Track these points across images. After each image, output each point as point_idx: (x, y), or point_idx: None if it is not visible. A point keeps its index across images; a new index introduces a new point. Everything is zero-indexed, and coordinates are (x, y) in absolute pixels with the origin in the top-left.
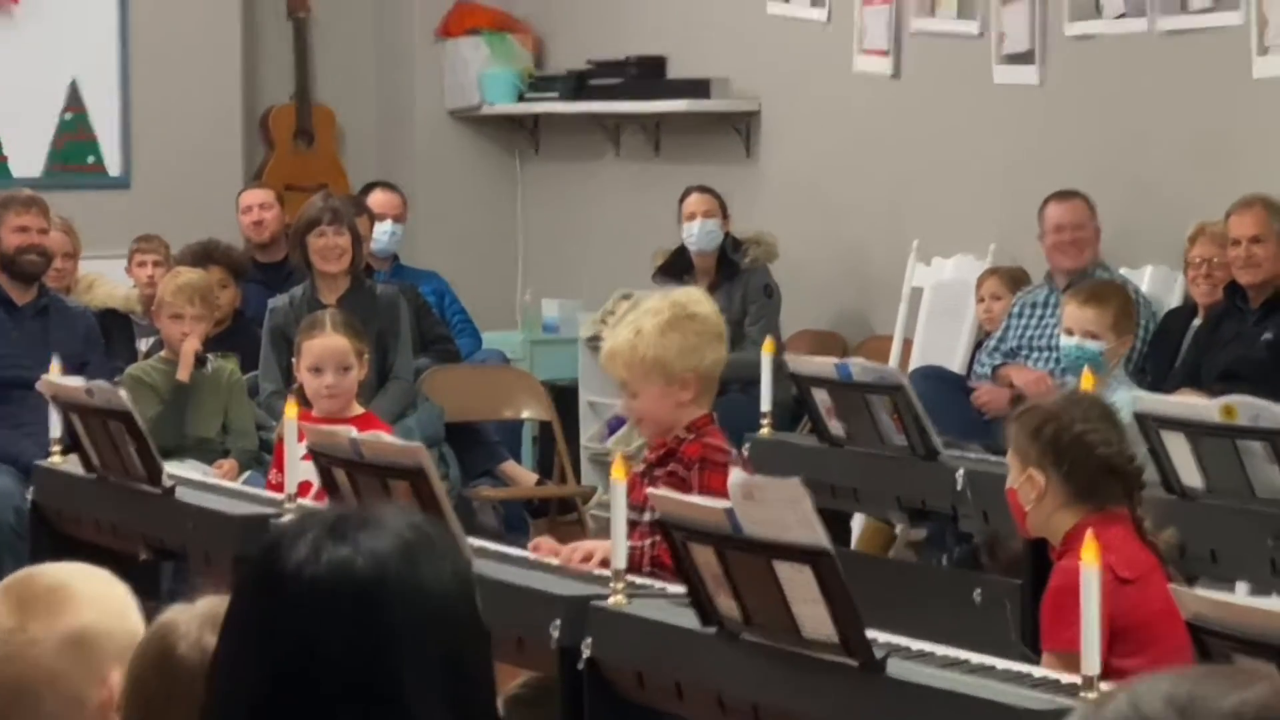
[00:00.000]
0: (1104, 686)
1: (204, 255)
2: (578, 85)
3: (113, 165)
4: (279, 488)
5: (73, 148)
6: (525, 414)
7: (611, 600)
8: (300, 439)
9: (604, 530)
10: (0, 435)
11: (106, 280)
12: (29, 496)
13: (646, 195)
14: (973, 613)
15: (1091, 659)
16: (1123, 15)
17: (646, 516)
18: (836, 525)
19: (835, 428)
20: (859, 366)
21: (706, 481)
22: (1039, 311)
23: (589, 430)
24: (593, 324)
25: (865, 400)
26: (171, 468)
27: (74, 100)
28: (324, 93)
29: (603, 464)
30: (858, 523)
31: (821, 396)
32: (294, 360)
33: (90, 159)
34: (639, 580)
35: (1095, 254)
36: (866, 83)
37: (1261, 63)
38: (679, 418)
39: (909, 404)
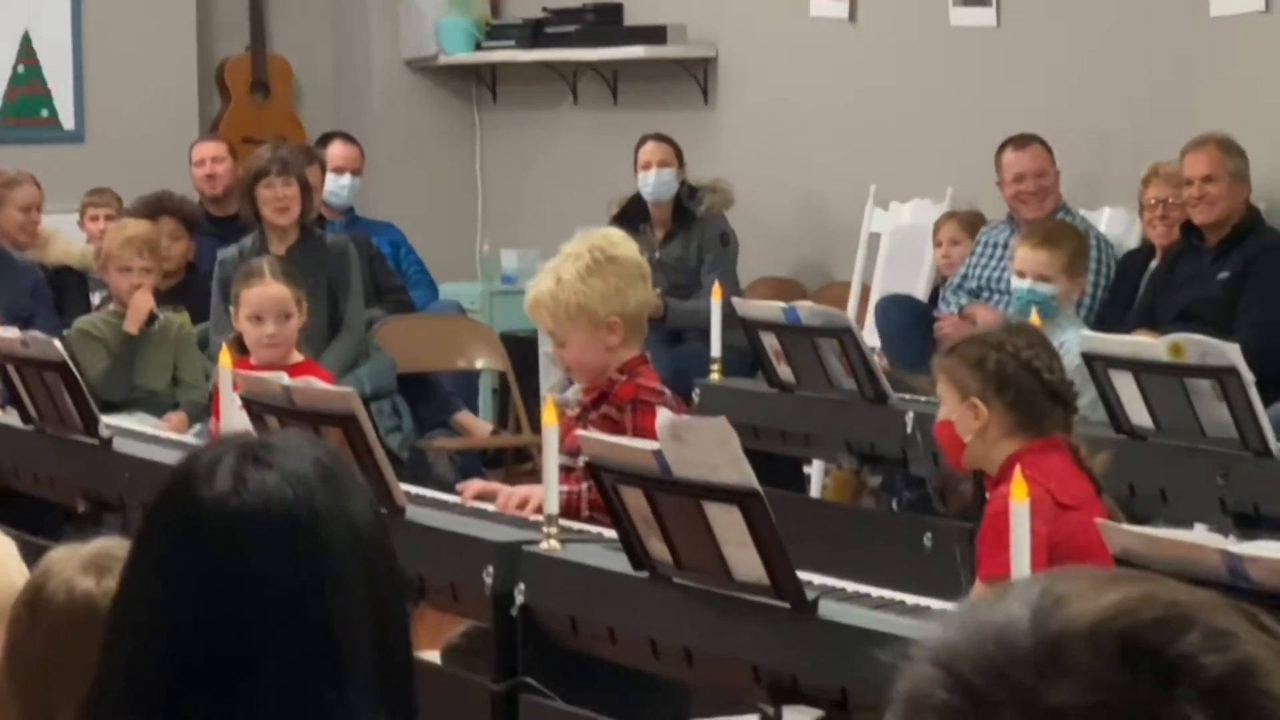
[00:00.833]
0: None
1: (156, 207)
2: (534, 33)
3: (66, 119)
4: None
5: (25, 101)
6: (479, 364)
7: (544, 545)
8: (236, 388)
9: None
10: None
11: (62, 236)
12: None
13: (605, 143)
14: (924, 557)
15: None
16: None
17: (582, 460)
18: (791, 472)
19: (784, 372)
20: (807, 310)
21: (640, 422)
22: (999, 251)
23: (549, 381)
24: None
25: (814, 344)
26: (120, 420)
27: (26, 53)
28: (280, 44)
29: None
30: (816, 469)
31: (770, 341)
32: (231, 309)
33: (44, 112)
34: (573, 525)
35: (1057, 199)
36: (823, 27)
37: (1219, 1)
38: (609, 361)
39: (857, 347)
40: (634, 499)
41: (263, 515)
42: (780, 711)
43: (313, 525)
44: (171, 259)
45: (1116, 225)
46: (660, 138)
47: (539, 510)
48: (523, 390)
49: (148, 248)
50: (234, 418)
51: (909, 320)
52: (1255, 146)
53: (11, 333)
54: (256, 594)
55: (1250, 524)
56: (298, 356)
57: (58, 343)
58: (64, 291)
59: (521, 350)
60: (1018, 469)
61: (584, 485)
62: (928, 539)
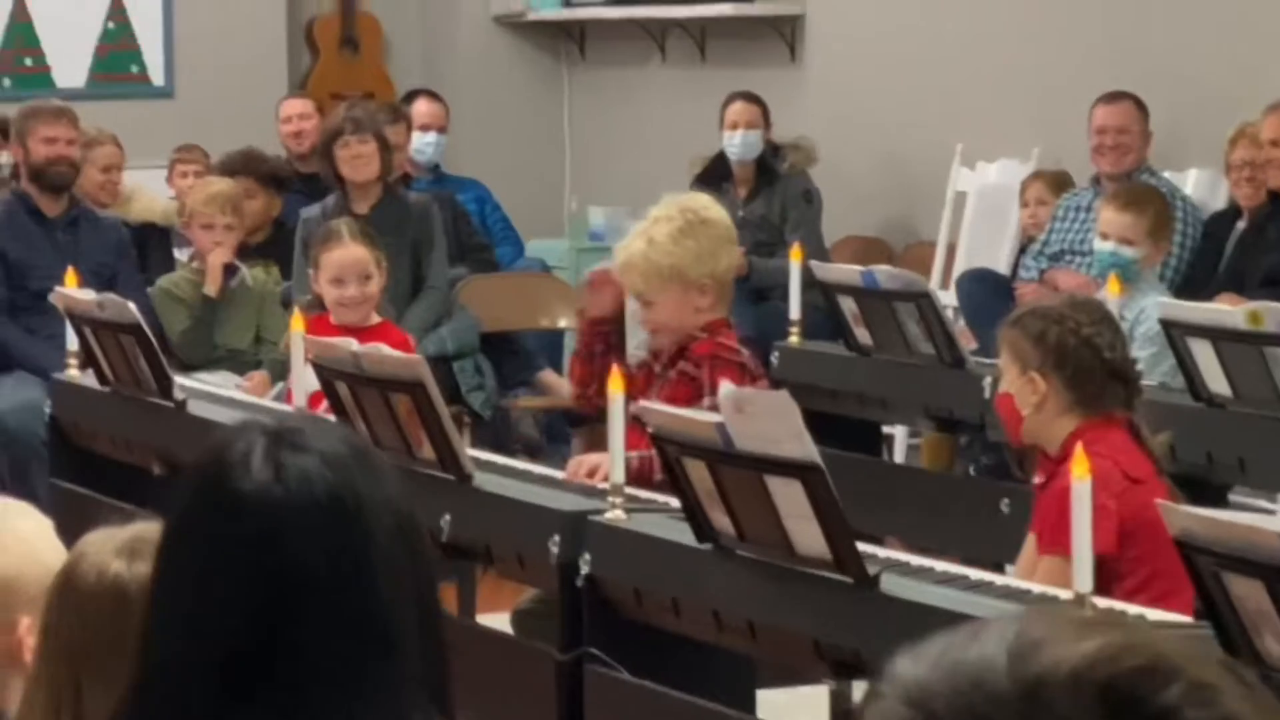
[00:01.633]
0: (1096, 602)
1: (243, 164)
2: None
3: (156, 75)
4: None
5: (115, 57)
6: (562, 323)
7: (609, 515)
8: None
9: None
10: (32, 346)
11: (145, 192)
12: (47, 409)
13: (692, 101)
14: (1001, 523)
15: (1084, 575)
16: None
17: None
18: (869, 436)
19: (862, 336)
20: (885, 274)
21: (717, 378)
22: (1082, 215)
23: (634, 340)
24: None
25: (891, 308)
26: (203, 379)
27: (117, 9)
28: (369, 1)
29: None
30: (900, 434)
31: (848, 304)
32: (310, 271)
33: (134, 68)
34: (640, 494)
35: (1139, 158)
36: None
37: None
38: (696, 324)
39: (935, 312)
40: (697, 471)
41: (308, 502)
42: (849, 686)
43: (357, 509)
44: (254, 215)
45: (1203, 187)
46: (749, 97)
47: (606, 478)
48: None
49: (230, 205)
50: (305, 381)
51: (989, 293)
52: None
53: (88, 295)
54: (304, 581)
55: None
56: (375, 318)
57: (133, 306)
58: (147, 248)
59: None
60: (1079, 446)
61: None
62: (1005, 505)
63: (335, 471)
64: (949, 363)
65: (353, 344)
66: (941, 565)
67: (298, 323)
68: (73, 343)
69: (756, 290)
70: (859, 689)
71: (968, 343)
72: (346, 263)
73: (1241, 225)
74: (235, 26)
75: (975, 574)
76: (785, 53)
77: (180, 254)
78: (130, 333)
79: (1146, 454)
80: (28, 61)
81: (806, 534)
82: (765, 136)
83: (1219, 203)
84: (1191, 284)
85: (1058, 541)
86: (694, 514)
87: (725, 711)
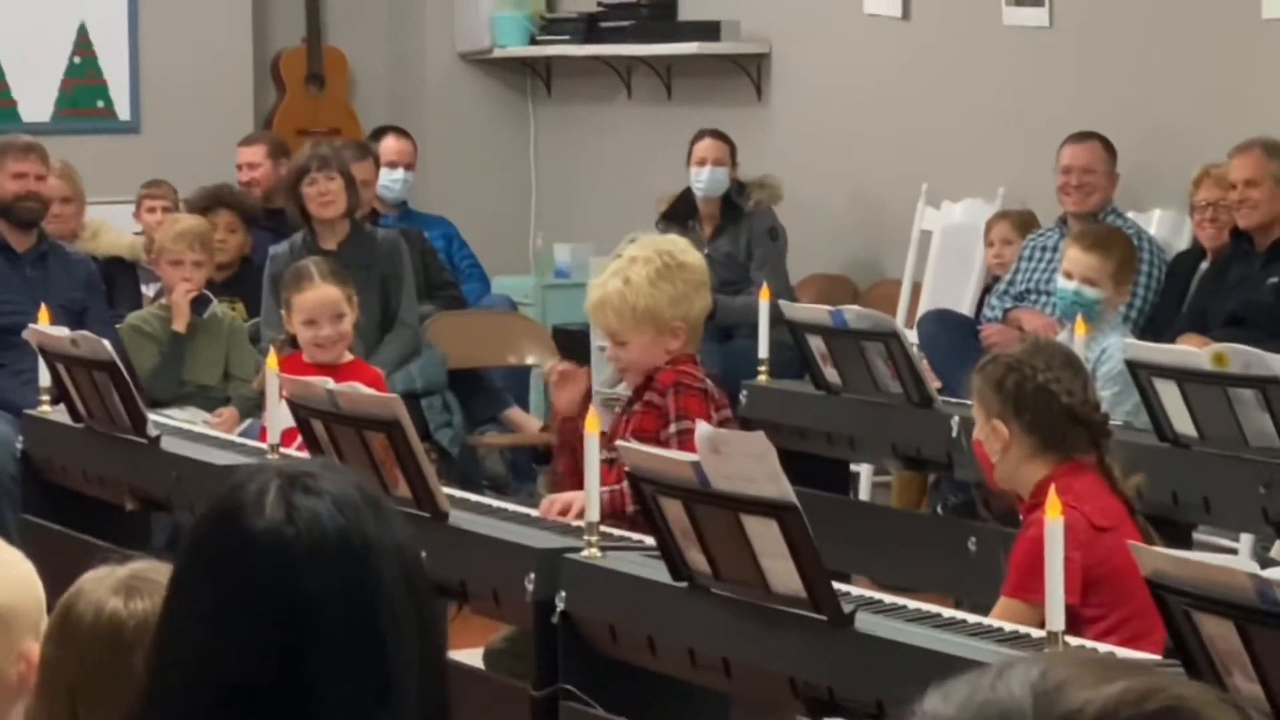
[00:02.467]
0: (1069, 641)
1: (213, 200)
2: (589, 28)
3: (122, 109)
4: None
5: (81, 92)
6: (529, 360)
7: (585, 553)
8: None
9: None
10: (2, 381)
11: (111, 228)
12: (19, 445)
13: (658, 139)
14: (968, 562)
15: (1056, 614)
16: None
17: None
18: (836, 473)
19: (831, 375)
20: (854, 313)
21: (682, 404)
22: (1048, 255)
23: (601, 376)
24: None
25: (860, 347)
26: (171, 415)
27: (83, 44)
28: (335, 36)
29: (614, 409)
30: (865, 472)
31: (817, 343)
32: (283, 314)
33: (99, 103)
34: (613, 533)
35: (1104, 198)
36: (877, 25)
37: (1271, 3)
38: (663, 362)
39: (903, 351)
40: (673, 510)
41: (318, 543)
42: None
43: (365, 551)
44: (227, 251)
45: (1166, 227)
46: (717, 134)
47: (580, 516)
48: None
49: (199, 242)
50: (279, 418)
51: (953, 335)
52: None
53: (61, 332)
54: (312, 623)
55: None
56: (347, 356)
57: (107, 343)
58: (114, 283)
59: (573, 344)
60: (1053, 489)
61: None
62: (972, 543)
63: (345, 514)
64: (917, 402)
65: (329, 383)
66: (914, 604)
67: (272, 361)
68: (45, 378)
69: (722, 328)
70: None
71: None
72: (318, 303)
73: (1205, 266)
74: (201, 62)
75: (947, 612)
76: (751, 91)
77: (147, 289)
78: (105, 369)
79: (1118, 496)
80: None
81: (782, 572)
82: (731, 174)
83: (1182, 243)
84: (1155, 324)
85: (1023, 586)
86: (669, 552)
87: None
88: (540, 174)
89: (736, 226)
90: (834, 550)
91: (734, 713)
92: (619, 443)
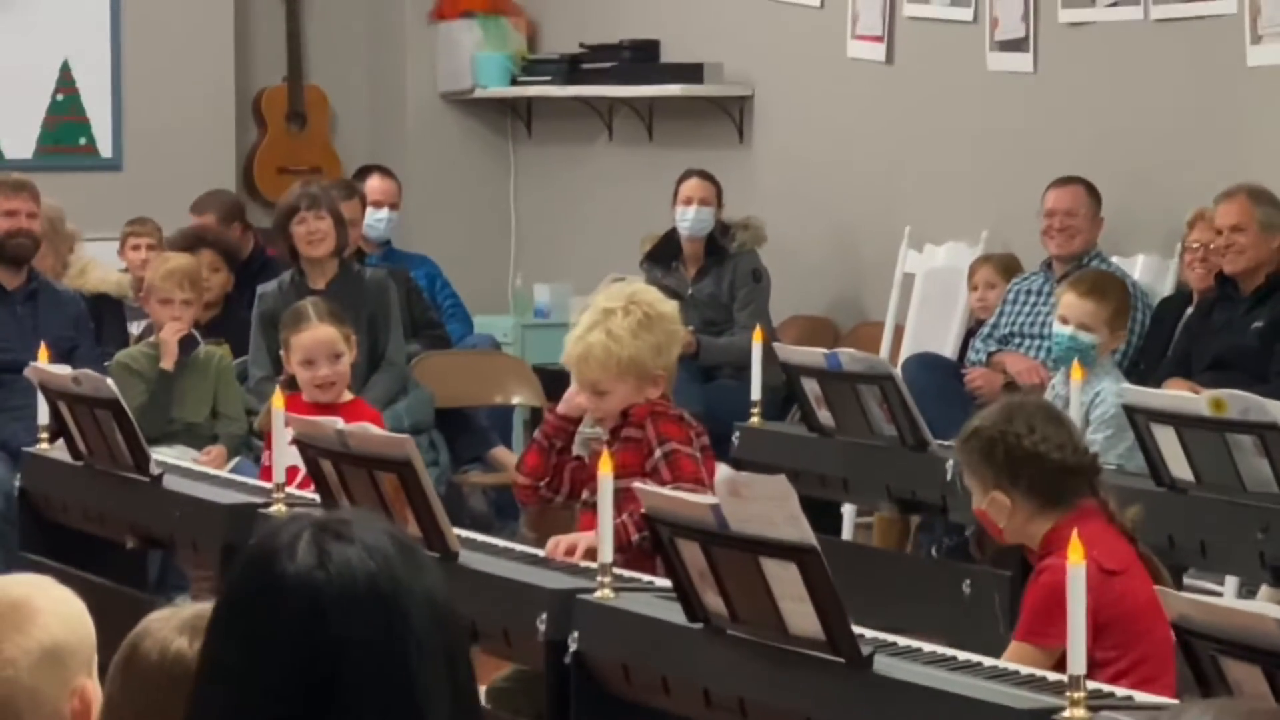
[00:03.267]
0: (1089, 685)
1: (196, 239)
2: (571, 69)
3: (104, 146)
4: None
5: (64, 129)
6: (516, 399)
7: (598, 594)
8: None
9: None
10: None
11: (99, 265)
12: (17, 483)
13: (639, 180)
14: (962, 604)
15: (1078, 658)
16: (1116, 3)
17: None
18: (827, 514)
19: (825, 417)
20: (848, 356)
21: (662, 429)
22: (1033, 299)
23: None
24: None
25: (855, 390)
26: (159, 453)
27: (65, 81)
28: (316, 74)
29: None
30: (848, 513)
31: (811, 386)
32: (282, 354)
33: (82, 140)
34: (626, 573)
35: (1088, 241)
36: (860, 68)
37: (1255, 51)
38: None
39: (898, 394)
40: (690, 552)
41: (348, 587)
42: None
43: (395, 596)
44: (210, 290)
45: (1150, 272)
46: (703, 175)
47: (587, 556)
48: None
49: (189, 280)
50: (285, 457)
51: (937, 378)
52: None
53: (63, 370)
54: (342, 664)
55: None
56: (347, 395)
57: (110, 381)
58: (101, 320)
59: (553, 384)
60: (1074, 533)
61: (623, 516)
62: (966, 586)
63: (376, 560)
64: (911, 445)
65: (338, 422)
66: (929, 646)
67: (279, 400)
68: (44, 416)
69: (705, 369)
70: None
71: None
72: (315, 344)
73: (1190, 310)
74: (184, 99)
75: (964, 655)
76: (734, 133)
77: (134, 327)
78: (107, 407)
79: (1123, 536)
80: None
81: (800, 614)
82: (717, 215)
83: (1166, 288)
84: (1139, 368)
85: (1034, 631)
86: (685, 593)
87: None
88: (520, 214)
89: (721, 268)
90: None
91: None
92: (636, 485)
